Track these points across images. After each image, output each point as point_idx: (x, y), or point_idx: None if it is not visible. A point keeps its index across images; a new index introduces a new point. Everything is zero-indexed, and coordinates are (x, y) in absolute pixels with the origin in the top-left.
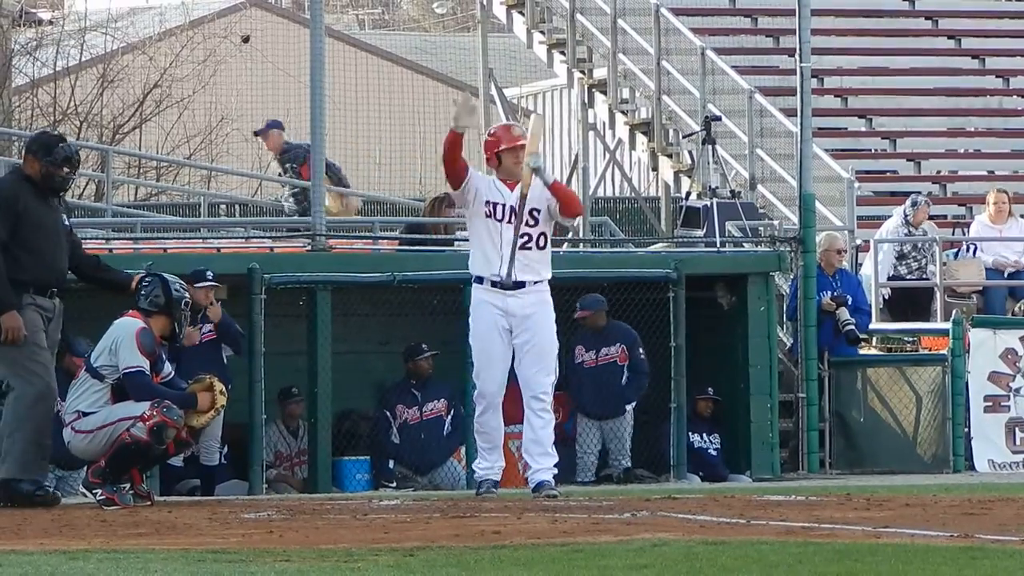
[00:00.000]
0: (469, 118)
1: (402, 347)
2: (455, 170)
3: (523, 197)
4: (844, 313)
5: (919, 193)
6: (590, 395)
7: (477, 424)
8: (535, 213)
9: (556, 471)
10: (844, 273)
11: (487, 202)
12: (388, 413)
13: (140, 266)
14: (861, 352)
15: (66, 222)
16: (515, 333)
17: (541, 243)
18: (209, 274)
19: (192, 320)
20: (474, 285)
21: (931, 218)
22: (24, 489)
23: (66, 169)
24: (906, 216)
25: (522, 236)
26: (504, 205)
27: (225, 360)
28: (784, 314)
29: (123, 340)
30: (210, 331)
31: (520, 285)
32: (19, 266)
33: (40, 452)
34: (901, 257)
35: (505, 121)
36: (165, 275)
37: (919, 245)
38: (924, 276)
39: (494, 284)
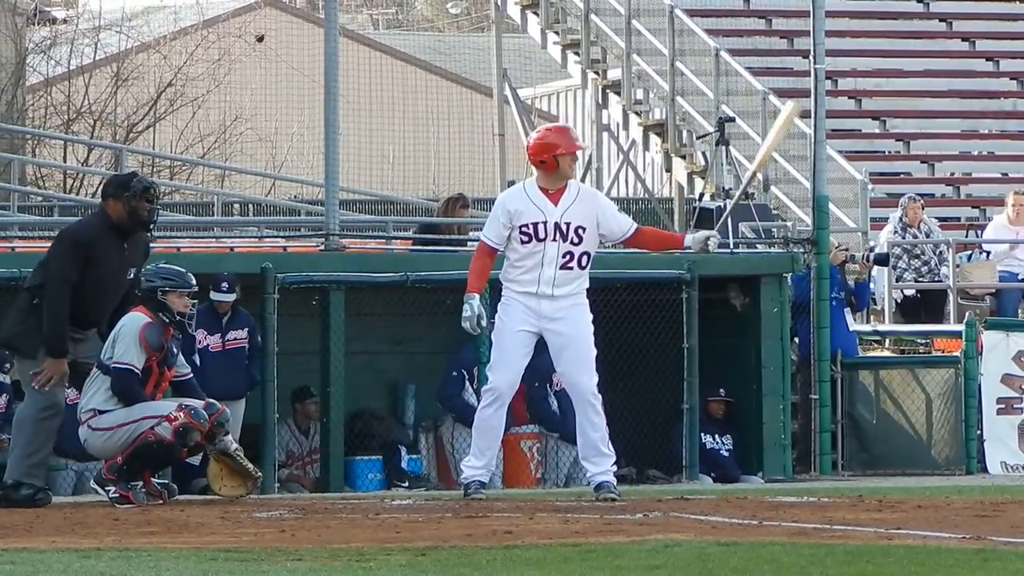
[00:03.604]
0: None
1: (415, 347)
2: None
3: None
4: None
5: (905, 195)
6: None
7: (478, 419)
8: (580, 231)
9: (615, 468)
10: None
11: (523, 227)
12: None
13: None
14: (873, 354)
15: (131, 275)
16: (549, 334)
17: (583, 262)
18: (224, 285)
19: (204, 324)
20: (505, 286)
21: (944, 220)
22: (24, 494)
23: (146, 201)
24: (901, 219)
25: (564, 255)
26: (546, 223)
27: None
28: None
29: (124, 333)
30: (235, 338)
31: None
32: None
33: (40, 462)
34: (910, 259)
35: (550, 124)
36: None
37: (922, 247)
38: (936, 278)
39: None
